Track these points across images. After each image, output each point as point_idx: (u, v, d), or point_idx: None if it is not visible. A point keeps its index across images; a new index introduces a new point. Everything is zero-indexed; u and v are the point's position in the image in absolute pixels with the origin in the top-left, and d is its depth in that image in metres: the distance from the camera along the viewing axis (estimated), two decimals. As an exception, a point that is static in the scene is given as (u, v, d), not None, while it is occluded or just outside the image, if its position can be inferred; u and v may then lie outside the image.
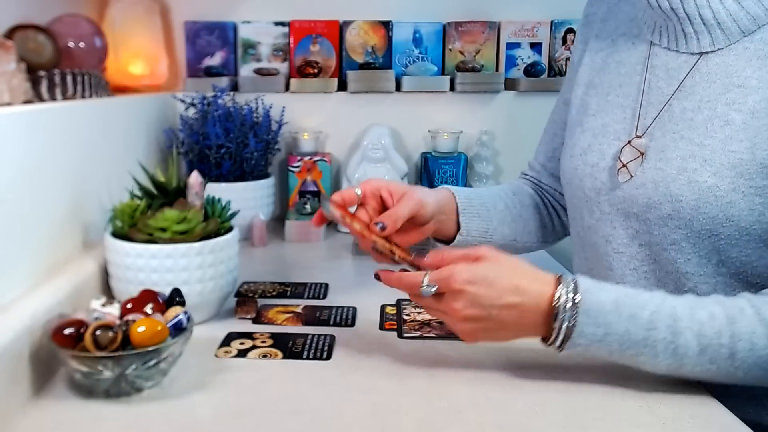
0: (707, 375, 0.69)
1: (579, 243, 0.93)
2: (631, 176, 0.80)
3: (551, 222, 1.04)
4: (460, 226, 0.96)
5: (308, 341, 0.86)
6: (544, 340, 0.72)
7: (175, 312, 0.76)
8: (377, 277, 0.78)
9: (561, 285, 0.71)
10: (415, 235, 0.91)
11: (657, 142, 0.79)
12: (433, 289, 0.72)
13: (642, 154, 0.79)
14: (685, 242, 0.76)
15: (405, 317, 0.94)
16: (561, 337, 0.70)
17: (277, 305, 0.99)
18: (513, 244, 1.05)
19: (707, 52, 0.77)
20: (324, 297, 1.03)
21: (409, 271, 0.76)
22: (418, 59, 1.51)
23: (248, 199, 1.31)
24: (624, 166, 0.81)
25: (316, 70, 1.50)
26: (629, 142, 0.81)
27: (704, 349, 0.68)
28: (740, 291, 0.76)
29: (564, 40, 1.52)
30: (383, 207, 0.87)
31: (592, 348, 0.70)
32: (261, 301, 1.00)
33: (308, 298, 1.03)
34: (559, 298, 0.70)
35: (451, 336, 0.88)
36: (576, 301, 0.69)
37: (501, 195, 1.04)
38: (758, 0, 0.74)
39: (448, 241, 0.99)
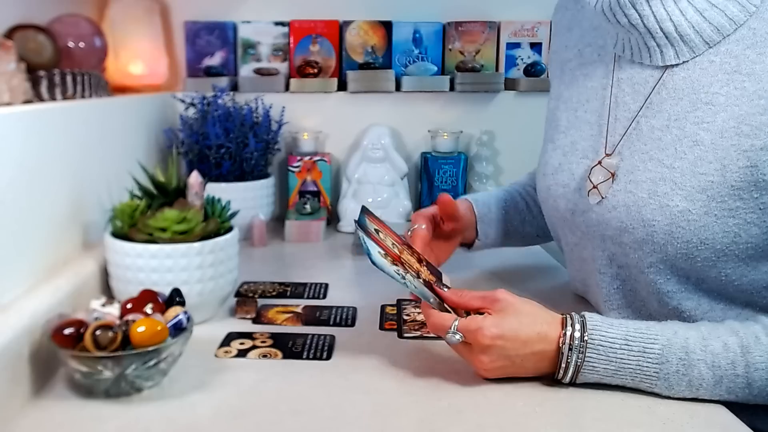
0: (725, 400, 0.70)
1: (568, 257, 0.93)
2: (603, 197, 0.79)
3: None
4: (478, 232, 1.03)
5: (308, 341, 0.86)
6: (554, 374, 0.73)
7: (175, 312, 0.76)
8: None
9: (569, 323, 0.71)
10: (448, 248, 1.02)
11: (626, 162, 0.78)
12: (459, 338, 0.72)
13: (613, 174, 0.78)
14: (661, 264, 0.76)
15: (405, 317, 0.94)
16: (570, 373, 0.71)
17: (276, 305, 0.99)
18: (537, 240, 1.12)
19: (672, 66, 0.76)
20: (324, 297, 1.03)
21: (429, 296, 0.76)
22: (417, 59, 1.51)
23: (248, 199, 1.31)
24: (595, 187, 0.80)
25: (315, 70, 1.50)
26: (599, 162, 0.80)
27: (719, 380, 0.68)
28: (724, 306, 0.76)
29: (564, 40, 1.52)
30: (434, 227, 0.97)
31: (604, 381, 0.71)
32: (261, 301, 1.00)
33: (308, 298, 1.03)
34: (565, 335, 0.70)
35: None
36: (585, 338, 0.70)
37: (522, 194, 1.09)
38: (721, 10, 0.72)
39: (468, 245, 1.05)
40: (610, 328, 0.70)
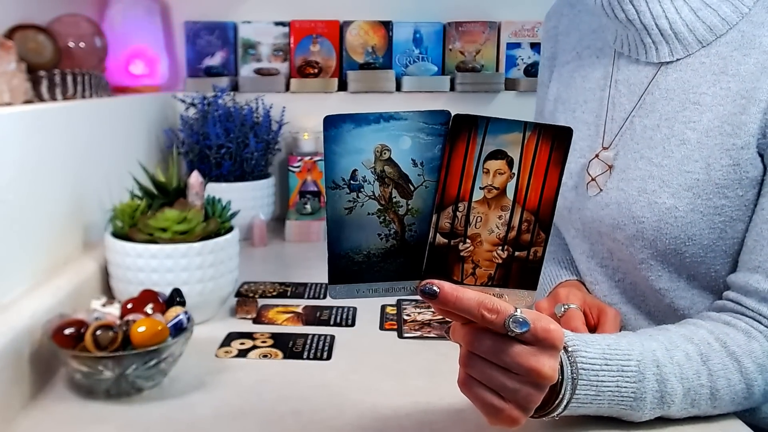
0: (684, 416, 0.65)
1: (573, 254, 0.93)
2: (600, 190, 0.80)
3: None
4: None
5: (308, 341, 0.86)
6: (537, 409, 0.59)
7: (175, 312, 0.76)
8: (426, 293, 0.55)
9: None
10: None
11: (620, 160, 0.79)
12: (525, 330, 0.53)
13: (610, 167, 0.79)
14: (652, 261, 0.76)
15: (405, 317, 0.94)
16: (562, 407, 0.60)
17: (277, 305, 0.99)
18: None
19: (666, 63, 0.77)
20: (324, 297, 1.03)
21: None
22: (418, 59, 1.51)
23: (248, 199, 1.31)
24: (593, 179, 0.81)
25: (316, 70, 1.50)
26: (597, 155, 0.81)
27: (687, 392, 0.64)
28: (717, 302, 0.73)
29: (564, 40, 1.52)
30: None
31: (580, 410, 0.62)
32: (261, 301, 1.00)
33: (308, 298, 1.03)
34: (562, 368, 0.60)
35: (451, 336, 0.88)
36: (573, 369, 0.60)
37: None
38: (714, 10, 0.73)
39: None
40: (587, 347, 0.62)
